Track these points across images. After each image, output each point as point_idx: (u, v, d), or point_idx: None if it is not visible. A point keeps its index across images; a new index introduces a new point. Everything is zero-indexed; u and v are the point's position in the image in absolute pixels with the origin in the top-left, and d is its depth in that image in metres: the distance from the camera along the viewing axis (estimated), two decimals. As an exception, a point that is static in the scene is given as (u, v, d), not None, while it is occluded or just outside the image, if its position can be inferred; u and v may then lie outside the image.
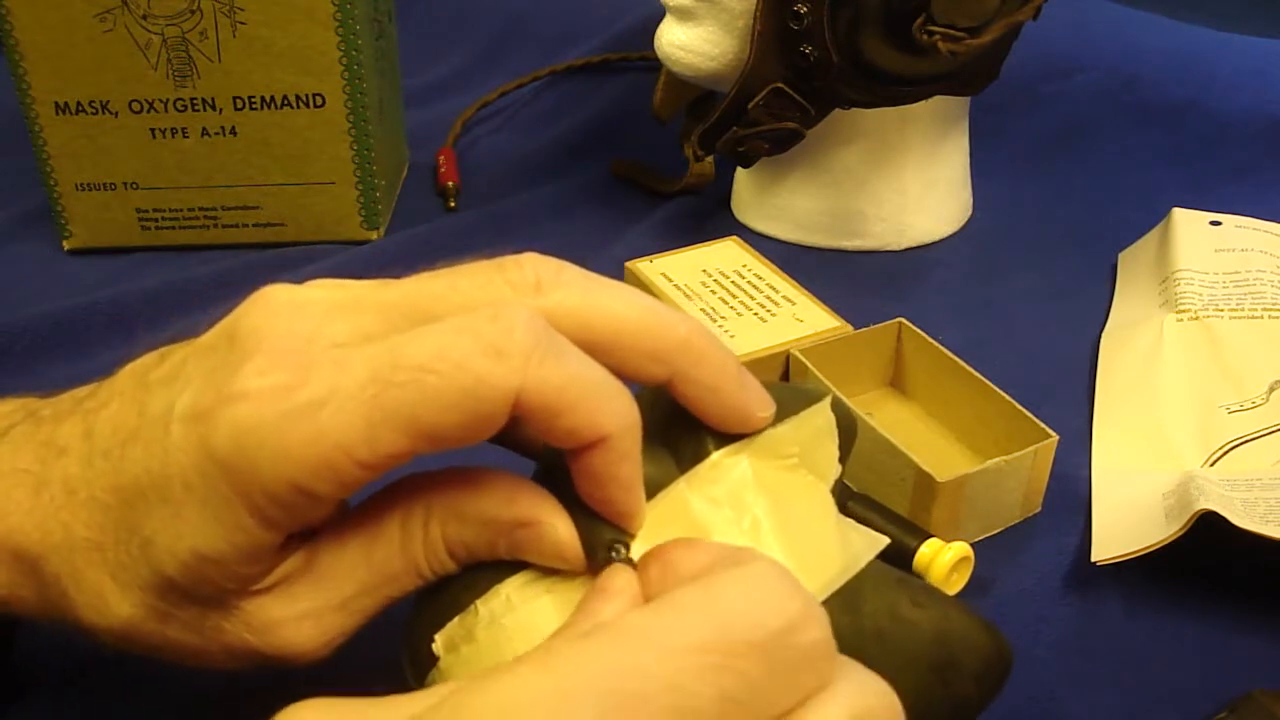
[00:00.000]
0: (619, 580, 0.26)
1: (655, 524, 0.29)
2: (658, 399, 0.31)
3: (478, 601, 0.29)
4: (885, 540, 0.30)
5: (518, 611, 0.28)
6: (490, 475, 0.29)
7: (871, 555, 0.30)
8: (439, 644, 0.29)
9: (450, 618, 0.29)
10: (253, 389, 0.26)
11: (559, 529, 0.28)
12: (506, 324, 0.25)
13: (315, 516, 0.28)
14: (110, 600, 0.29)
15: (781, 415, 0.31)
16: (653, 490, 0.29)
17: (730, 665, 0.20)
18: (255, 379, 0.26)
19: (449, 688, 0.21)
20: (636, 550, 0.28)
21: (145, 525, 0.28)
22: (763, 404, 0.30)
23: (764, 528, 0.29)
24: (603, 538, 0.28)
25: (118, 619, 0.29)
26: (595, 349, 0.27)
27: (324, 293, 0.28)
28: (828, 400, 0.31)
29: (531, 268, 0.28)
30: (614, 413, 0.27)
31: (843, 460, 0.31)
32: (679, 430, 0.30)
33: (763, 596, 0.22)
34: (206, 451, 0.26)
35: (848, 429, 0.32)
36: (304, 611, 0.29)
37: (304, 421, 0.25)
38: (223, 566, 0.27)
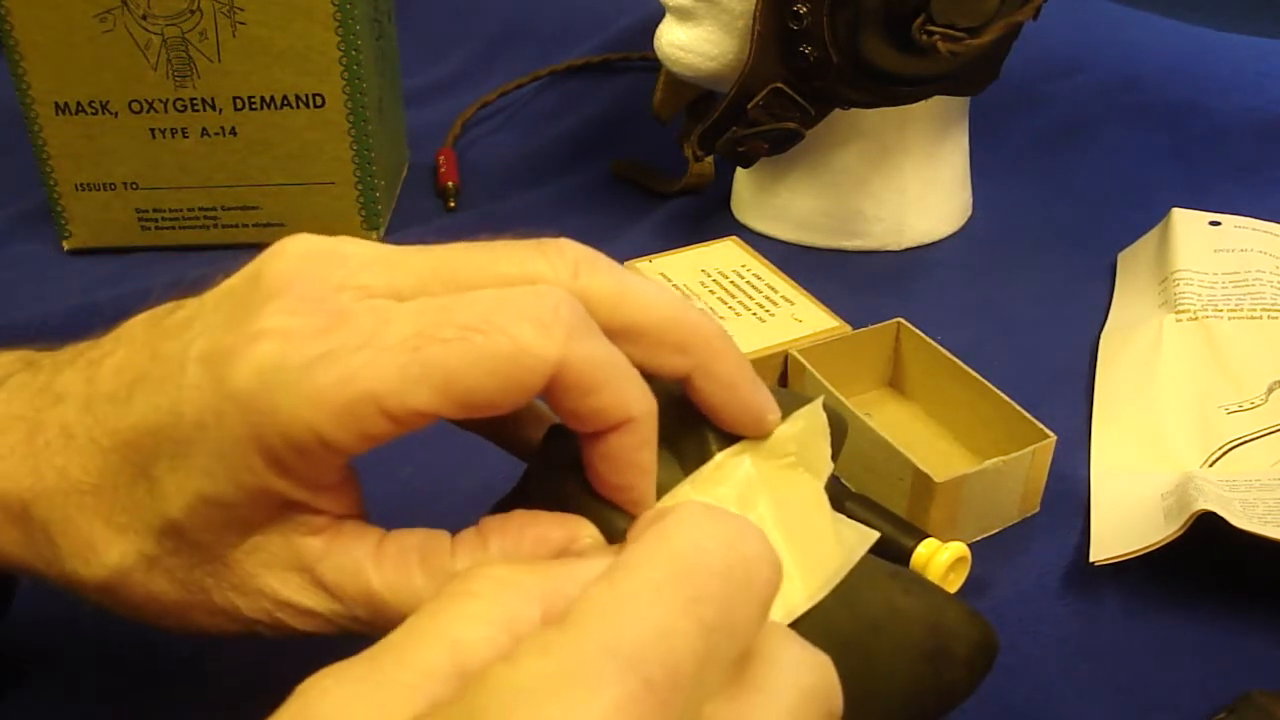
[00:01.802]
0: None
1: None
2: (656, 395, 0.31)
3: None
4: (876, 534, 0.31)
5: None
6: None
7: (865, 549, 0.30)
8: None
9: None
10: (279, 327, 0.26)
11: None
12: (551, 300, 0.26)
13: (323, 476, 0.27)
14: (99, 548, 0.28)
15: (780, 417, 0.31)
16: (659, 491, 0.29)
17: (701, 595, 0.21)
18: (283, 318, 0.26)
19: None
20: None
21: (152, 467, 0.27)
22: (772, 407, 0.31)
23: (768, 527, 0.30)
24: (618, 526, 0.28)
25: (104, 568, 0.28)
26: (623, 337, 0.28)
27: (357, 248, 0.28)
28: (820, 400, 0.32)
29: (571, 252, 0.28)
30: (640, 396, 0.27)
31: (834, 458, 0.32)
32: (681, 431, 0.30)
33: (703, 531, 0.22)
34: (225, 390, 0.26)
35: (839, 427, 0.33)
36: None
37: (336, 364, 0.25)
38: (229, 511, 0.27)
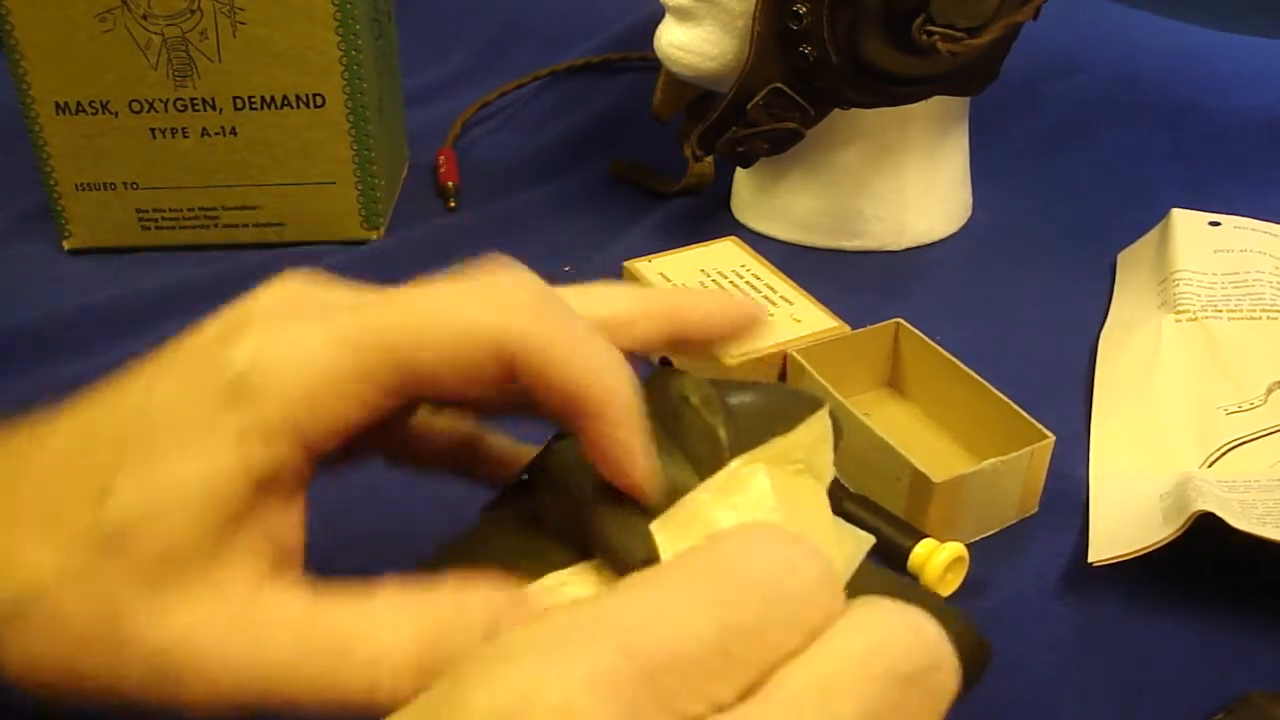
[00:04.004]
0: None
1: (676, 532, 0.29)
2: (664, 398, 0.31)
3: None
4: (873, 539, 0.31)
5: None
6: None
7: (863, 554, 0.30)
8: None
9: None
10: (259, 330, 0.27)
11: None
12: (497, 280, 0.27)
13: (298, 457, 0.27)
14: (23, 566, 0.27)
15: (789, 422, 0.31)
16: (673, 495, 0.29)
17: (728, 600, 0.21)
18: (262, 323, 0.27)
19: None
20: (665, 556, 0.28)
21: (100, 463, 0.27)
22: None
23: None
24: (635, 556, 0.28)
25: (25, 587, 0.27)
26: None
27: (335, 293, 0.29)
28: (827, 407, 0.32)
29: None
30: (605, 373, 0.27)
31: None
32: (694, 433, 0.30)
33: (755, 545, 0.22)
34: (221, 379, 0.27)
35: (836, 430, 0.33)
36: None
37: (302, 351, 0.26)
38: (177, 515, 0.26)
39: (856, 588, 0.30)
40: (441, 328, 0.26)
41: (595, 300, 0.30)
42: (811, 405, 0.32)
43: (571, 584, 0.29)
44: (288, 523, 0.28)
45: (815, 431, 0.31)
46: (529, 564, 0.29)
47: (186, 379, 0.27)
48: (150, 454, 0.27)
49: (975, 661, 0.31)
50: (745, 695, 0.21)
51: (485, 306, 0.26)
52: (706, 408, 0.30)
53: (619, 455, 0.28)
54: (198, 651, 0.26)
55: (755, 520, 0.29)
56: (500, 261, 0.28)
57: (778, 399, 0.32)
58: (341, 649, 0.26)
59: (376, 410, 0.27)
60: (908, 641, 0.22)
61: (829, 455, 0.32)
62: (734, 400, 0.31)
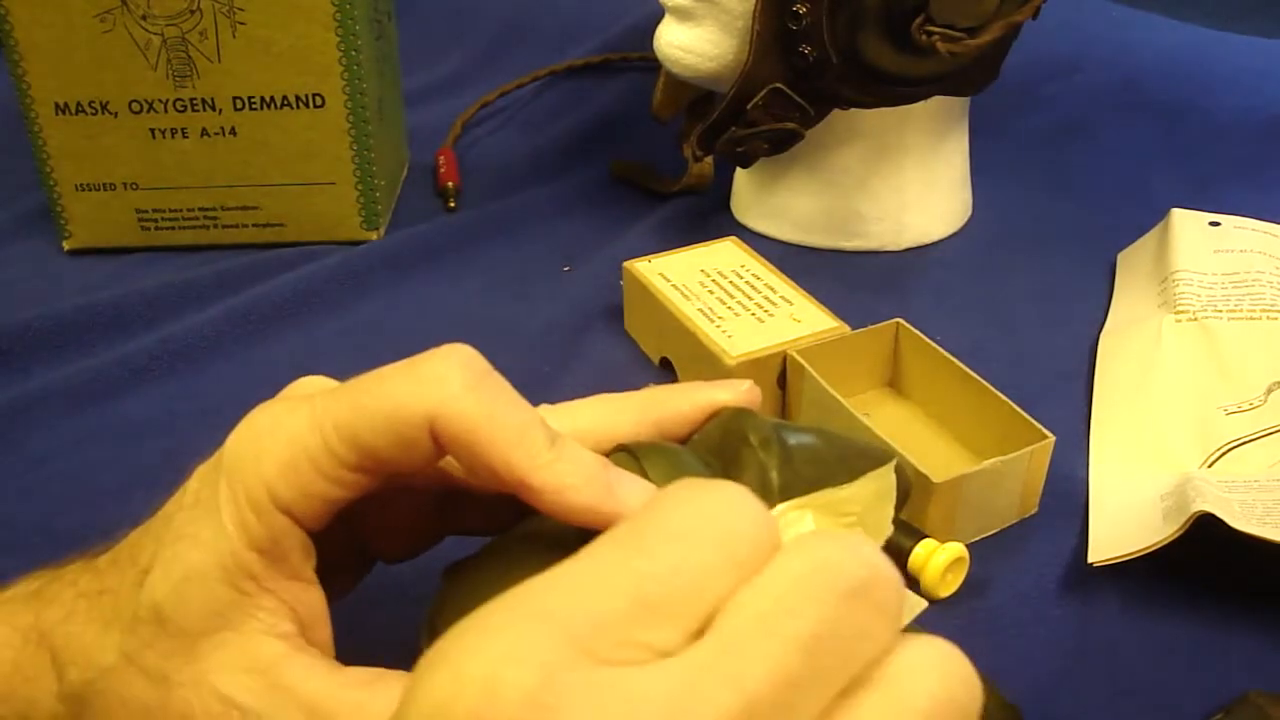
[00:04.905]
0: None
1: None
2: (727, 435, 0.31)
3: None
4: (924, 604, 0.31)
5: None
6: None
7: (911, 619, 0.30)
8: None
9: None
10: (255, 411, 0.30)
11: None
12: (435, 358, 0.29)
13: (287, 548, 0.29)
14: (93, 649, 0.30)
15: (849, 474, 0.31)
16: None
17: (641, 550, 0.22)
18: (264, 404, 0.30)
19: None
20: None
21: (144, 558, 0.30)
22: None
23: None
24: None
25: (93, 669, 0.30)
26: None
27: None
28: (893, 464, 0.31)
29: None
30: (531, 458, 0.28)
31: (895, 519, 0.32)
32: (744, 472, 0.30)
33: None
34: (219, 464, 0.30)
35: (904, 488, 0.32)
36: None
37: (275, 429, 0.29)
38: (207, 587, 0.29)
39: None
40: (378, 408, 0.28)
41: (573, 412, 0.32)
42: (877, 459, 0.31)
43: None
44: (304, 592, 0.30)
45: (875, 487, 0.31)
46: None
47: (204, 469, 0.31)
48: (175, 535, 0.30)
49: None
50: (698, 635, 0.21)
51: (414, 385, 0.28)
52: (764, 449, 0.30)
53: (588, 516, 0.28)
54: (241, 707, 0.29)
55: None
56: (449, 346, 0.29)
57: (843, 448, 0.32)
58: None
59: (346, 485, 0.29)
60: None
61: (888, 513, 0.31)
62: (795, 443, 0.31)
